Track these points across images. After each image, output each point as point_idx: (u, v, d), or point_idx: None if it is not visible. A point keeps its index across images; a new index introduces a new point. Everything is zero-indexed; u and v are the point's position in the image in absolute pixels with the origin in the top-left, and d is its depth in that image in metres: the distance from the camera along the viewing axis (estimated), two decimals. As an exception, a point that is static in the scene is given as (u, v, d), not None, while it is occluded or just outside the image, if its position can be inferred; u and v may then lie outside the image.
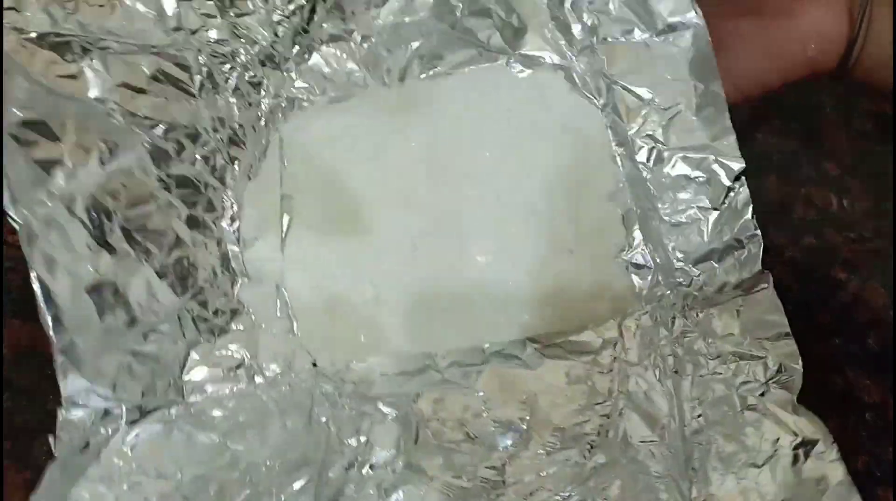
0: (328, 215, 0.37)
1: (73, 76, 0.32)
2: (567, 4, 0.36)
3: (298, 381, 0.35)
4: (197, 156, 0.35)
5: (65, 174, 0.31)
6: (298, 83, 0.38)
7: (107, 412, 0.31)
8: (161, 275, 0.33)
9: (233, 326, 0.35)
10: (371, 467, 0.32)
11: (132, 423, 0.31)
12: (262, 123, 0.38)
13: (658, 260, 0.35)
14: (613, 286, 0.36)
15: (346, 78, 0.38)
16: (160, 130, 0.34)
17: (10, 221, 0.30)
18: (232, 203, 0.36)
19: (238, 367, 0.35)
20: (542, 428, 0.34)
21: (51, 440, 0.30)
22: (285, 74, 0.38)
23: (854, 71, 0.33)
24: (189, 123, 0.35)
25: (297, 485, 0.31)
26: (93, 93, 0.32)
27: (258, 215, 0.37)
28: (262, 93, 0.38)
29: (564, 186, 0.37)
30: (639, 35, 0.33)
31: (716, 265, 0.33)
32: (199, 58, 0.35)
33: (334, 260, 0.37)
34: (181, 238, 0.34)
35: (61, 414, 0.30)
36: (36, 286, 0.30)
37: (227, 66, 0.36)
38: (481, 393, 0.34)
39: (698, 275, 0.33)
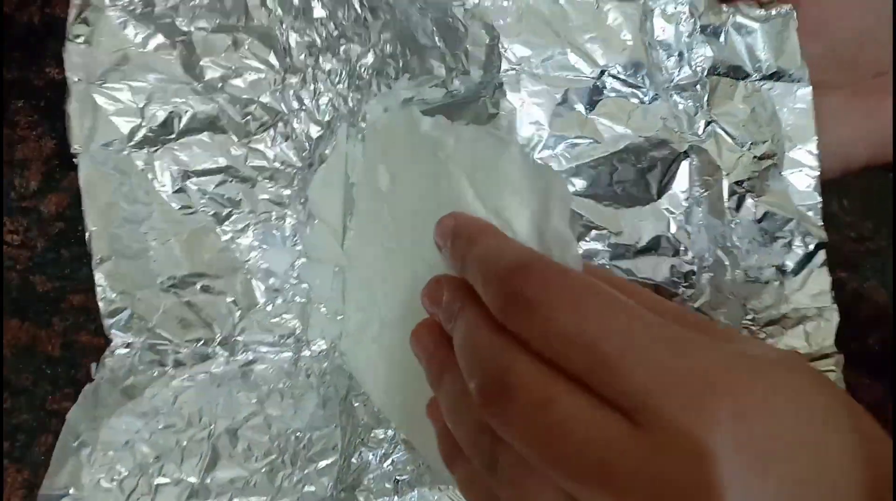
0: (376, 228, 0.35)
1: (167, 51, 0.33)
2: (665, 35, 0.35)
3: (341, 362, 0.36)
4: (276, 133, 0.36)
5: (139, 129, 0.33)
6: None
7: (154, 354, 0.33)
8: (228, 236, 0.35)
9: (291, 296, 0.36)
10: (392, 462, 0.33)
11: (177, 367, 0.33)
12: (340, 106, 0.37)
13: (724, 318, 0.34)
14: None
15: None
16: (242, 103, 0.35)
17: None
18: (304, 184, 0.37)
19: (289, 336, 0.36)
20: None
21: (92, 367, 0.32)
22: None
23: None
24: (271, 100, 0.35)
25: (322, 463, 0.33)
26: (179, 70, 0.34)
27: (322, 199, 0.36)
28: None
29: None
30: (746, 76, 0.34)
31: (784, 331, 0.33)
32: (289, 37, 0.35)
33: (374, 278, 0.34)
34: (252, 208, 0.35)
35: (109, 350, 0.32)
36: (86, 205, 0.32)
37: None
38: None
39: (763, 339, 0.33)
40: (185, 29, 0.33)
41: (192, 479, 0.31)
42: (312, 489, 0.32)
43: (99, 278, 0.32)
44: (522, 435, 0.18)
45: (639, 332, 0.18)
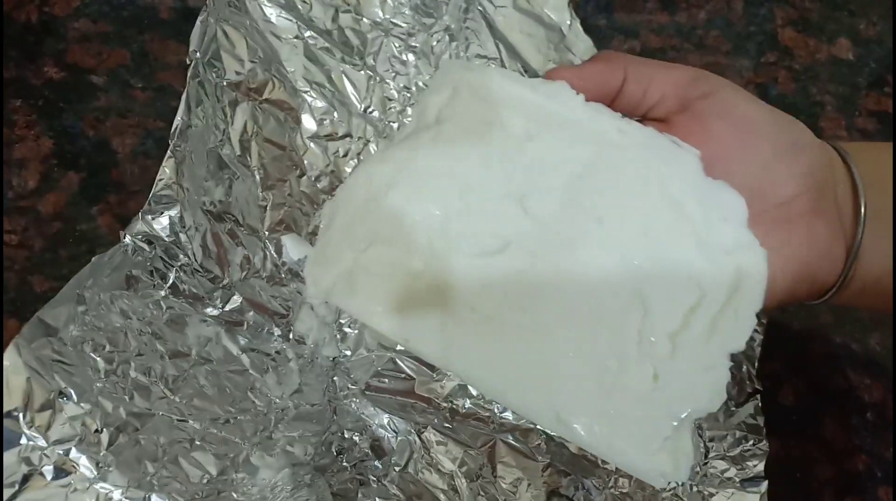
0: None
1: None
2: None
3: (319, 361, 0.37)
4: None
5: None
6: None
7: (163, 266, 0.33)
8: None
9: (293, 286, 0.37)
10: (354, 466, 0.34)
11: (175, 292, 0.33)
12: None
13: None
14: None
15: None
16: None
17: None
18: None
19: (281, 316, 0.36)
20: None
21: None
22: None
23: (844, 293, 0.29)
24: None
25: (307, 430, 0.34)
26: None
27: None
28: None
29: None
30: None
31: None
32: None
33: None
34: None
35: None
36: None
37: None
38: (481, 458, 0.35)
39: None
40: None
41: (169, 394, 0.31)
42: (292, 450, 0.33)
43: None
44: None
45: None
